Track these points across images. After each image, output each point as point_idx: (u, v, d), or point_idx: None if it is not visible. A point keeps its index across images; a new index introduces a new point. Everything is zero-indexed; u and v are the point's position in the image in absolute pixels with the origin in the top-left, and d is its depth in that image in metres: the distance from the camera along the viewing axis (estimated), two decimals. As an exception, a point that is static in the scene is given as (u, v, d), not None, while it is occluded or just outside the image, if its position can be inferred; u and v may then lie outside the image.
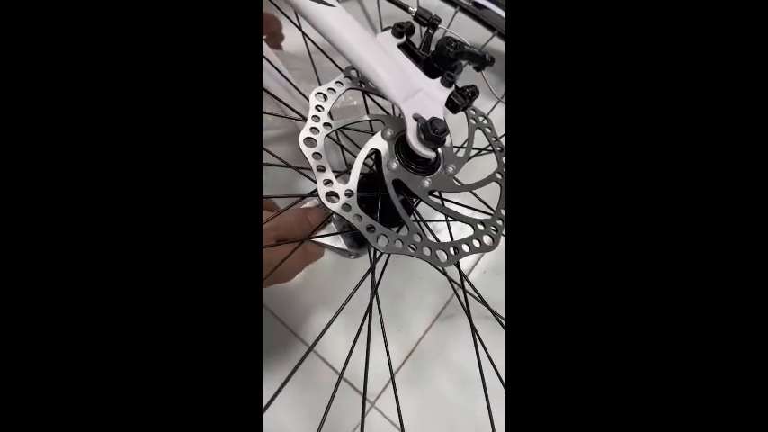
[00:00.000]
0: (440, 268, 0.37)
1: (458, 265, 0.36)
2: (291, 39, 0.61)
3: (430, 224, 0.42)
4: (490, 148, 0.42)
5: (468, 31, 0.58)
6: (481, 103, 0.48)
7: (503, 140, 0.43)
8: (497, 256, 0.59)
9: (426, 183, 0.34)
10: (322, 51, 0.44)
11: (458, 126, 0.43)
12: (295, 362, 0.30)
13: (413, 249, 0.31)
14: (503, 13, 0.59)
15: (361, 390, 0.49)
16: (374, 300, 0.34)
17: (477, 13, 0.58)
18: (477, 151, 0.43)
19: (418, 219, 0.39)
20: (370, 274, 0.35)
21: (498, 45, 0.60)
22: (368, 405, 0.49)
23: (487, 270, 0.58)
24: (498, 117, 0.50)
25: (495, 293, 0.56)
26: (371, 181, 0.38)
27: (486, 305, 0.37)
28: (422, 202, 0.36)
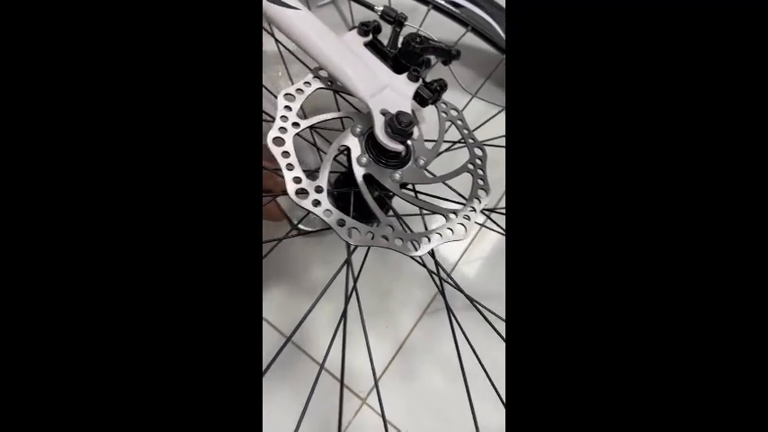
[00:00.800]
0: (418, 259, 0.38)
1: (432, 255, 0.36)
2: (269, 46, 0.62)
3: (414, 217, 0.42)
4: (463, 140, 0.43)
5: (443, 29, 0.59)
6: (460, 100, 0.49)
7: (476, 133, 0.44)
8: (485, 248, 0.60)
9: (397, 176, 0.35)
10: (293, 54, 0.45)
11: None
12: (283, 359, 0.30)
13: (385, 240, 0.32)
14: (478, 11, 0.60)
15: (353, 387, 0.50)
16: (352, 295, 0.35)
17: (449, 10, 0.59)
18: (450, 144, 0.44)
19: (394, 213, 0.39)
20: (350, 273, 0.35)
21: (473, 41, 0.61)
22: (359, 402, 0.50)
23: (474, 261, 0.58)
24: (474, 112, 0.51)
25: (482, 284, 0.57)
26: (348, 178, 0.38)
27: (462, 290, 0.37)
28: (402, 198, 0.36)
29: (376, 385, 0.34)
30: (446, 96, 0.43)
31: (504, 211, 0.49)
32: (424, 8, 0.60)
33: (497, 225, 0.48)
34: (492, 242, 0.60)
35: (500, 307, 0.42)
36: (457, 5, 0.60)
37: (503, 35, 0.59)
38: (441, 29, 0.60)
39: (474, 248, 0.59)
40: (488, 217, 0.49)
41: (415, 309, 0.55)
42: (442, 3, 0.59)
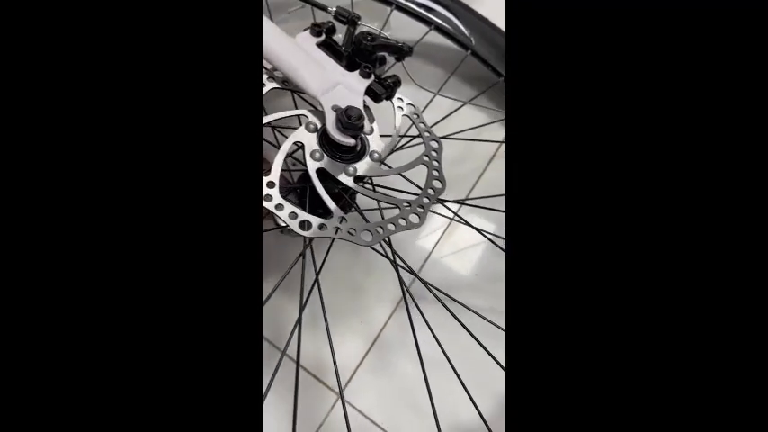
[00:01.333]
0: (379, 249, 0.39)
1: (389, 244, 0.37)
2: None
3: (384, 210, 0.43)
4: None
5: (411, 29, 0.61)
6: (426, 97, 0.50)
7: (438, 128, 0.45)
8: (456, 241, 0.61)
9: (351, 169, 0.36)
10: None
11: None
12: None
13: (339, 231, 0.33)
14: (441, 9, 0.62)
15: (328, 382, 0.50)
16: (310, 292, 0.36)
17: (412, 10, 0.60)
18: (410, 138, 0.45)
19: (354, 207, 0.40)
20: (305, 265, 0.36)
21: (437, 39, 0.62)
22: (334, 398, 0.50)
23: (445, 256, 0.59)
24: (443, 107, 0.52)
25: (452, 278, 0.58)
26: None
27: (418, 276, 0.38)
28: (356, 191, 0.37)
29: (337, 377, 0.34)
30: (412, 94, 0.44)
31: (471, 203, 0.50)
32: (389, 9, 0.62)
33: (461, 218, 0.49)
34: (462, 235, 0.61)
35: (472, 298, 0.43)
36: (420, 5, 0.62)
37: (465, 32, 0.61)
38: (408, 29, 0.62)
39: (445, 241, 0.60)
40: (456, 213, 0.50)
41: (388, 302, 0.55)
42: (405, 2, 0.61)
